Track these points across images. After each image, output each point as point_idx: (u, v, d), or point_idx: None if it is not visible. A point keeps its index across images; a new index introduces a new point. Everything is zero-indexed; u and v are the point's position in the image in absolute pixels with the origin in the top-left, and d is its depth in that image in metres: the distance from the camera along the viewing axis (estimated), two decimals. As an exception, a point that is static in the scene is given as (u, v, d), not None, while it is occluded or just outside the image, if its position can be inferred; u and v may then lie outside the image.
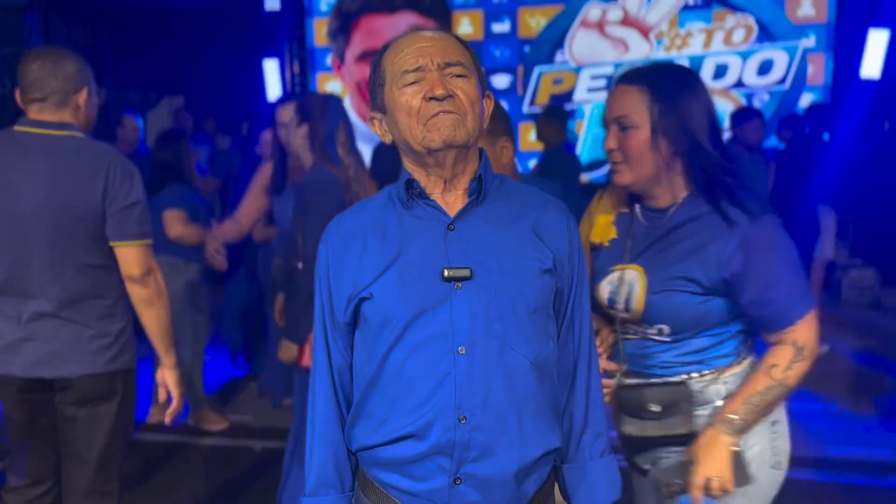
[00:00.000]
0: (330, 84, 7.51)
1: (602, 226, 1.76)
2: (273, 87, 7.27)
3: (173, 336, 2.26)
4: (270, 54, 7.37)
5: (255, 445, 3.87)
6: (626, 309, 1.62)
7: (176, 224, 3.80)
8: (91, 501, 2.22)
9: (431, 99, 1.22)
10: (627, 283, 1.62)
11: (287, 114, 3.14)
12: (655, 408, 1.63)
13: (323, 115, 2.74)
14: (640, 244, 1.65)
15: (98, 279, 2.14)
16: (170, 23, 7.60)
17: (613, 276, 1.65)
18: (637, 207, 1.70)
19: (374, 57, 1.32)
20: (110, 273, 2.16)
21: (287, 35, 7.59)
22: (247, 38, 7.45)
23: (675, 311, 1.57)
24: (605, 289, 1.67)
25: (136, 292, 2.16)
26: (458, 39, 1.30)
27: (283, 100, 3.63)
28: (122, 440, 2.24)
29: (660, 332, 1.61)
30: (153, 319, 2.20)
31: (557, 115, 5.01)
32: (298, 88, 7.55)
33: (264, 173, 3.49)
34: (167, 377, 2.27)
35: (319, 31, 7.48)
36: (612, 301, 1.65)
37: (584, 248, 1.64)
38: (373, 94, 1.33)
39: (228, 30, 7.48)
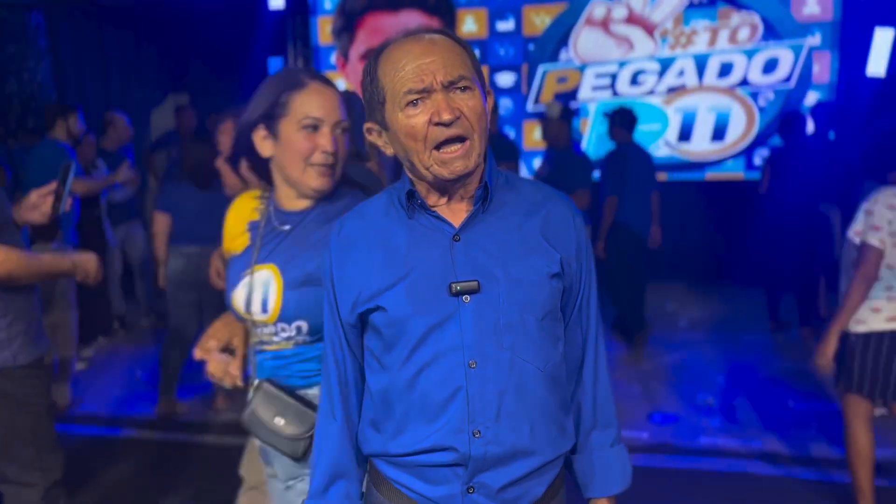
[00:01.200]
0: (334, 83, 7.50)
1: (233, 236, 1.78)
2: (277, 86, 7.26)
3: (45, 264, 2.26)
4: (275, 52, 7.38)
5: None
6: (264, 310, 1.63)
7: None
8: (8, 489, 2.29)
9: (438, 124, 1.18)
10: (262, 284, 1.63)
11: None
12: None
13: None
14: (269, 244, 1.66)
15: None
16: (174, 21, 7.60)
17: (246, 281, 1.66)
18: (272, 210, 1.71)
19: (368, 63, 1.26)
20: None
21: (291, 33, 7.59)
22: (251, 37, 7.44)
23: (312, 306, 1.57)
24: (240, 294, 1.67)
25: None
26: (455, 39, 1.24)
27: None
28: (22, 435, 2.26)
29: (299, 332, 1.62)
30: (19, 284, 2.21)
31: (565, 116, 5.00)
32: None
33: None
34: (78, 273, 2.32)
35: (324, 30, 7.47)
36: (248, 304, 1.65)
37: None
38: (370, 106, 1.28)
39: (233, 28, 7.47)
